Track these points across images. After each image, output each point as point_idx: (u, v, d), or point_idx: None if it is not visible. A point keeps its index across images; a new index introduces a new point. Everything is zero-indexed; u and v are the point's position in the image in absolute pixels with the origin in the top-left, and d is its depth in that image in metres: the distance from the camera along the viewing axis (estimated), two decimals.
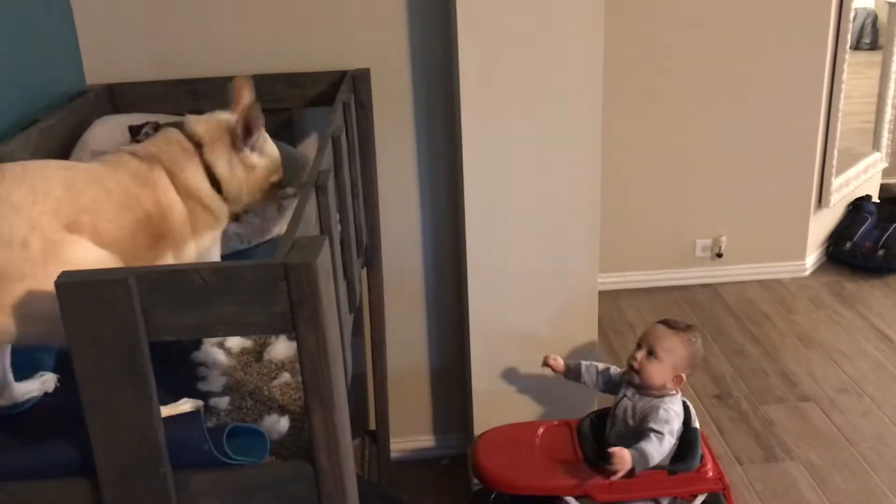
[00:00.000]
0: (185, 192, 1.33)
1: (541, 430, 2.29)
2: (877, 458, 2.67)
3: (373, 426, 2.63)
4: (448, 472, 2.72)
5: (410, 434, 2.75)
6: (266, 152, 1.46)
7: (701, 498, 2.15)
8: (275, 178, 1.49)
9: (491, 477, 2.19)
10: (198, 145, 1.38)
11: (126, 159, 1.32)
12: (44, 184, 1.14)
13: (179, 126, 1.40)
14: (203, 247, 1.39)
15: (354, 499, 1.03)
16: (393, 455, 2.66)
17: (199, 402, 1.17)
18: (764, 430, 2.85)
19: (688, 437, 2.14)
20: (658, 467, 2.08)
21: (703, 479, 2.11)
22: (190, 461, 0.98)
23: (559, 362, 2.32)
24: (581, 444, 2.18)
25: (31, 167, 1.20)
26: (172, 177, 1.33)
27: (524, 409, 2.46)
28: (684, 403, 2.19)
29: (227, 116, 1.44)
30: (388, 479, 2.60)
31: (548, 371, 2.37)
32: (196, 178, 1.36)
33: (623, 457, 1.96)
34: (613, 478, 1.99)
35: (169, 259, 1.31)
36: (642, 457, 1.99)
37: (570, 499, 2.10)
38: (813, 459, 2.68)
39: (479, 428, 2.50)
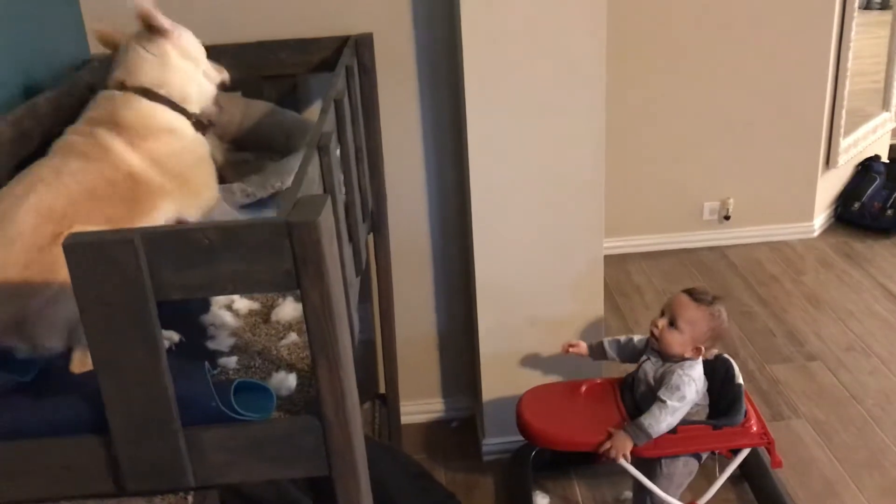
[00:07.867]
0: (138, 133, 1.34)
1: (584, 388, 2.31)
2: (883, 415, 2.69)
3: (382, 390, 2.66)
4: (458, 433, 2.76)
5: (420, 397, 2.78)
6: (183, 40, 1.49)
7: (744, 453, 2.17)
8: (204, 68, 1.52)
9: (536, 433, 2.22)
10: (121, 85, 1.40)
11: (71, 141, 1.33)
12: (12, 222, 1.16)
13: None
14: (207, 175, 1.42)
15: (361, 451, 1.05)
16: (403, 418, 2.70)
17: (175, 335, 1.24)
18: (770, 388, 2.87)
19: (732, 392, 2.16)
20: (702, 422, 2.12)
21: (748, 434, 2.12)
22: (198, 418, 1.00)
23: (581, 346, 2.33)
24: (624, 400, 2.21)
25: None
26: (116, 129, 1.33)
27: (531, 372, 2.48)
28: (726, 361, 2.21)
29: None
30: (398, 441, 2.64)
31: (555, 342, 2.39)
32: (133, 109, 1.37)
33: (618, 443, 2.02)
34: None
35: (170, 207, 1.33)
36: (640, 430, 2.03)
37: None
38: (819, 417, 2.70)
39: (486, 391, 2.53)
